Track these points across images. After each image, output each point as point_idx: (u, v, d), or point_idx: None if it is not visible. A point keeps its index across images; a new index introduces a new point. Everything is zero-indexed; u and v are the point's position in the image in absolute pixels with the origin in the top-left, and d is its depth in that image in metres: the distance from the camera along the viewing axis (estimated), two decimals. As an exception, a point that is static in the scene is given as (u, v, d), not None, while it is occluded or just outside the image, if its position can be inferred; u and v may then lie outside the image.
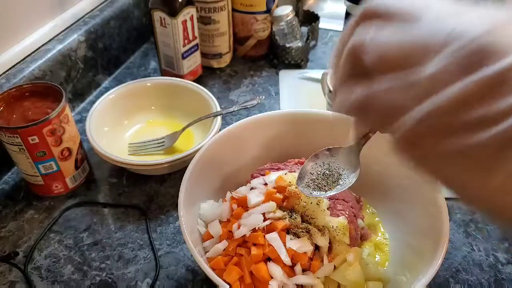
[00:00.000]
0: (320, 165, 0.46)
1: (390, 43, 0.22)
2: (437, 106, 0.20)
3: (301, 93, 0.80)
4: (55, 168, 0.58)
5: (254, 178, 0.53)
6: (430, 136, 0.21)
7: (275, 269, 0.43)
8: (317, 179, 0.45)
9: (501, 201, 0.20)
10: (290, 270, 0.44)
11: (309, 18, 0.92)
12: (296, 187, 0.47)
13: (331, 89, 0.66)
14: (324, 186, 0.45)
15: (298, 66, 0.86)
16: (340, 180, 0.44)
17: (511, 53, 0.19)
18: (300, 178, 0.46)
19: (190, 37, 0.76)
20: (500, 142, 0.19)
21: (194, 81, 0.77)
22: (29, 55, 0.68)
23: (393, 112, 0.22)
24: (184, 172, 0.50)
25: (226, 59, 0.87)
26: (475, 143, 0.19)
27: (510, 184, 0.19)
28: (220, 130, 0.60)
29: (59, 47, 0.71)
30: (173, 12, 0.70)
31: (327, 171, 0.45)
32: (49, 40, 0.72)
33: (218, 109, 0.66)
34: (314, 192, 0.45)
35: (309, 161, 0.46)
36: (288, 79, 0.84)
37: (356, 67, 0.25)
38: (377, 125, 0.24)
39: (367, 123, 0.26)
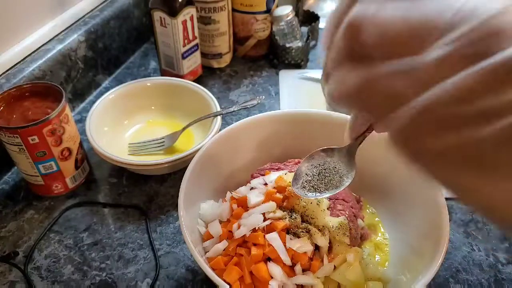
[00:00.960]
0: (315, 166, 0.45)
1: (393, 20, 0.20)
2: (439, 97, 0.18)
3: (301, 93, 0.80)
4: (55, 168, 0.58)
5: (254, 178, 0.53)
6: (428, 130, 0.19)
7: (275, 269, 0.43)
8: (313, 180, 0.45)
9: (496, 201, 0.19)
10: (290, 270, 0.44)
11: (309, 18, 0.92)
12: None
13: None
14: (320, 187, 0.44)
15: (298, 66, 0.86)
16: (335, 181, 0.44)
17: None
18: (295, 179, 0.45)
19: (190, 37, 0.76)
20: (499, 138, 0.17)
21: (194, 81, 0.77)
22: (29, 55, 0.68)
23: (393, 100, 0.20)
24: (184, 172, 0.50)
25: (226, 59, 0.87)
26: (475, 139, 0.18)
27: (506, 185, 0.18)
28: (220, 130, 0.60)
29: (59, 47, 0.71)
30: (173, 12, 0.70)
31: (322, 172, 0.45)
32: (49, 40, 0.72)
33: (218, 109, 0.66)
34: (309, 193, 0.44)
35: (304, 162, 0.46)
36: (288, 79, 0.84)
37: (354, 48, 0.22)
38: (374, 115, 0.22)
39: (364, 113, 0.24)
